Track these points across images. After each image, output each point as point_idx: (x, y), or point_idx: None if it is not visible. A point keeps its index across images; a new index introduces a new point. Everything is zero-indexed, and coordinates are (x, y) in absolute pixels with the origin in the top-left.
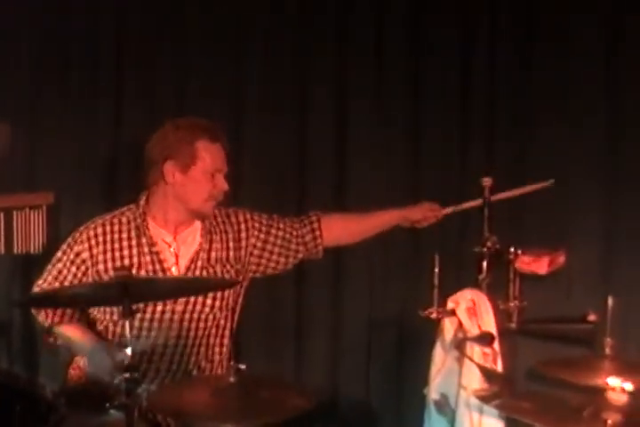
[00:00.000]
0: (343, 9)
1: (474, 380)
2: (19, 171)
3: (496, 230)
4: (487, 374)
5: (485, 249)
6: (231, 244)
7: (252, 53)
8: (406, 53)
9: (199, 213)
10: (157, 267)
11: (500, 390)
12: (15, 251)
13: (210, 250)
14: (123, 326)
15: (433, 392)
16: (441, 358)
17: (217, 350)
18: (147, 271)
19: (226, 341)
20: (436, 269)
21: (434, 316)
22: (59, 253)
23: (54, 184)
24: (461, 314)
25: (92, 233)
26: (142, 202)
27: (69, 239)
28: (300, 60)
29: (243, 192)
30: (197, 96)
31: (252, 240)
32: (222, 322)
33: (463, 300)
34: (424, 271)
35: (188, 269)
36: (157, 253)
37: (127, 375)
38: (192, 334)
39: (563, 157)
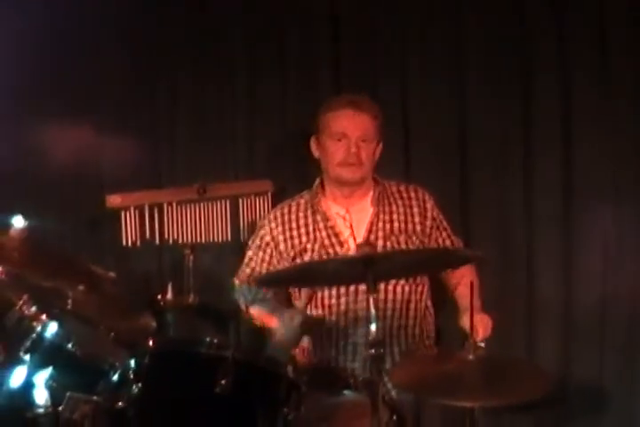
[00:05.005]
0: None
1: None
2: (240, 160)
3: None
4: None
5: None
6: (417, 218)
7: None
8: None
9: (339, 179)
10: (334, 240)
11: None
12: (242, 238)
13: (391, 221)
14: (367, 303)
15: None
16: None
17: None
18: (324, 246)
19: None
20: None
21: None
22: (250, 241)
23: (274, 173)
24: None
25: (271, 217)
26: (317, 182)
27: (257, 227)
28: None
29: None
30: None
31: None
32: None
33: None
34: None
35: (366, 239)
36: (332, 228)
37: (372, 351)
38: (412, 311)
39: None
